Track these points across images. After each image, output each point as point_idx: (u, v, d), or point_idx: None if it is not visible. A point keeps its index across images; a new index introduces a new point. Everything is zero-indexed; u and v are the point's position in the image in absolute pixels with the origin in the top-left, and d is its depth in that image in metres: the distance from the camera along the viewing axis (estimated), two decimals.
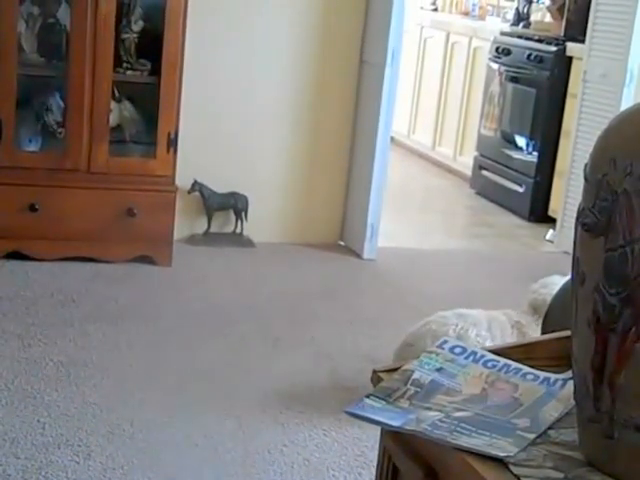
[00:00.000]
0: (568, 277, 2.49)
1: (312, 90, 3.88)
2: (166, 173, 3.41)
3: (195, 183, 3.74)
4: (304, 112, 3.89)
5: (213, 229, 3.84)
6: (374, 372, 1.13)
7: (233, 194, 3.81)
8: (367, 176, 3.88)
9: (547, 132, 4.84)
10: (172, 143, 3.38)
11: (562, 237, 4.30)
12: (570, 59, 4.75)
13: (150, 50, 3.40)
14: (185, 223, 3.77)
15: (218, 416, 2.42)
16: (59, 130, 3.38)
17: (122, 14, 3.37)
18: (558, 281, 2.56)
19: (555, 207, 4.67)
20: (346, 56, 3.89)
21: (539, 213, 4.86)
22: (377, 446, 1.13)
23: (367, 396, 1.06)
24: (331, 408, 2.50)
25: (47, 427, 2.27)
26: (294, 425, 2.42)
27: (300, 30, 3.81)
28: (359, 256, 3.91)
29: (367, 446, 2.34)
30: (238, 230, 3.86)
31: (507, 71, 5.19)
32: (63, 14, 3.36)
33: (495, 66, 5.30)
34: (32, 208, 3.30)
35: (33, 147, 3.41)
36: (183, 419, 2.39)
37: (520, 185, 4.98)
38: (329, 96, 3.91)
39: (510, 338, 2.50)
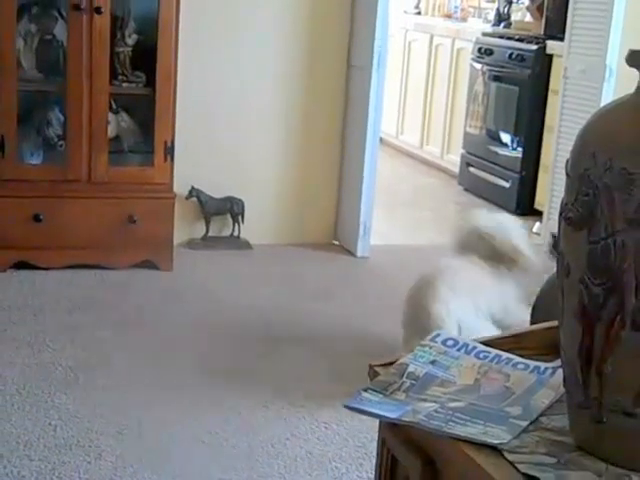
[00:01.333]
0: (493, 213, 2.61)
1: (302, 95, 3.96)
2: (164, 181, 3.48)
3: (192, 189, 3.81)
4: (295, 117, 3.97)
5: (211, 233, 3.91)
6: (370, 366, 1.14)
7: (229, 198, 3.87)
8: (358, 176, 3.97)
9: (531, 128, 4.94)
10: (169, 151, 3.45)
11: (548, 229, 4.42)
12: (550, 57, 4.84)
13: (144, 62, 3.46)
14: (184, 228, 3.83)
15: (222, 413, 2.47)
16: (60, 143, 3.45)
17: (116, 28, 3.43)
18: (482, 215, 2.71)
19: (541, 200, 4.77)
20: (334, 61, 3.97)
21: (525, 207, 4.96)
22: (376, 437, 1.15)
23: (364, 390, 1.08)
24: (331, 402, 2.54)
25: (58, 429, 2.32)
26: (296, 420, 2.47)
27: (288, 38, 3.88)
28: (353, 254, 3.98)
29: (367, 437, 2.38)
30: (235, 233, 3.92)
31: (490, 70, 5.30)
32: (60, 30, 3.41)
33: (478, 66, 5.40)
34: (37, 219, 3.36)
35: (35, 160, 3.46)
36: (189, 417, 2.44)
37: (506, 180, 5.09)
38: (319, 100, 3.98)
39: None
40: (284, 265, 3.81)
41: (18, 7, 3.27)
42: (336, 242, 4.13)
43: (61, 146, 3.45)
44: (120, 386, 2.61)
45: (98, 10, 3.29)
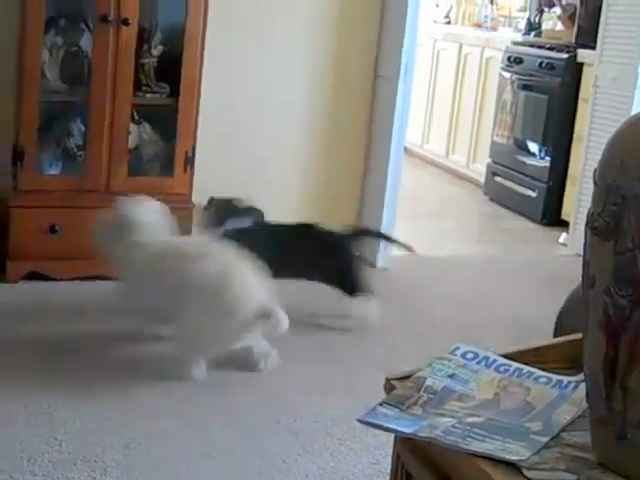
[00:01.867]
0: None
1: (328, 105, 3.95)
2: (183, 191, 3.47)
3: (212, 199, 3.81)
4: (320, 126, 3.96)
5: None
6: (387, 380, 1.13)
7: (250, 209, 3.88)
8: (381, 186, 3.95)
9: (559, 138, 4.89)
10: (189, 162, 3.45)
11: (575, 240, 4.35)
12: (581, 65, 4.80)
13: (169, 73, 3.46)
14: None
15: (232, 427, 2.43)
16: (79, 153, 3.44)
17: (142, 40, 3.42)
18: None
19: (568, 211, 4.72)
20: (361, 71, 3.95)
21: (552, 217, 4.91)
22: (391, 453, 1.13)
23: (380, 404, 1.06)
24: (345, 417, 2.49)
25: (64, 444, 2.28)
26: (308, 434, 2.42)
27: (315, 48, 3.88)
28: (373, 265, 3.93)
29: (381, 454, 2.33)
30: None
31: (519, 79, 5.25)
32: (85, 42, 3.41)
33: (507, 75, 5.36)
34: (52, 230, 3.31)
35: (54, 170, 3.45)
36: (197, 432, 2.40)
37: (533, 190, 5.04)
38: (344, 110, 3.97)
39: None
40: None
41: (45, 19, 3.28)
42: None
43: (80, 156, 3.45)
44: (127, 399, 2.58)
45: (126, 22, 3.30)
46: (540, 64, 5.04)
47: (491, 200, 5.44)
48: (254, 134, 3.88)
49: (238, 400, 2.62)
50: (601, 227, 0.91)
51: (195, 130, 3.47)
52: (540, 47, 5.20)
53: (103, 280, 3.42)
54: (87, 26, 3.43)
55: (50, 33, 3.39)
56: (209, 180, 3.70)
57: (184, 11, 3.36)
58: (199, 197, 3.64)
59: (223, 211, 3.25)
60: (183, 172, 3.47)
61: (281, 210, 3.95)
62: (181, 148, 3.45)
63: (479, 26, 6.53)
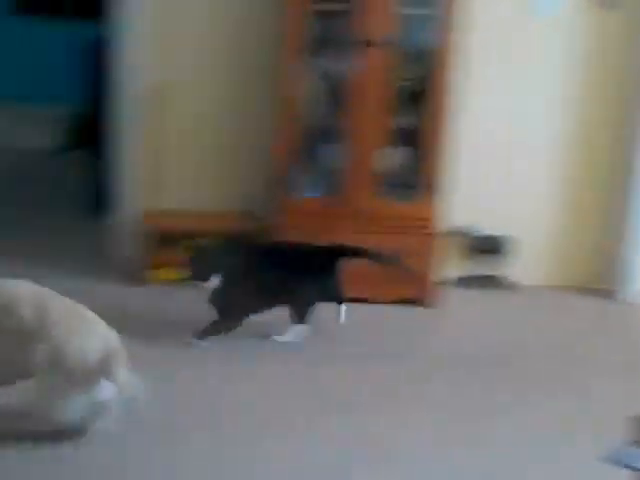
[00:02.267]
0: None
1: (579, 133, 3.85)
2: (427, 216, 3.47)
3: (459, 226, 3.77)
4: (570, 154, 3.87)
5: (476, 271, 3.86)
6: (631, 418, 1.10)
7: (497, 237, 3.81)
8: (632, 217, 3.81)
9: None
10: (438, 187, 3.46)
11: None
12: None
13: (421, 96, 3.49)
14: (449, 265, 3.77)
15: (436, 458, 2.43)
16: (336, 176, 3.51)
17: (398, 63, 3.46)
18: None
19: None
20: (609, 92, 3.83)
21: None
22: None
23: (627, 443, 1.04)
24: (588, 453, 2.34)
25: None
26: (543, 470, 2.38)
27: (570, 74, 3.82)
28: (625, 300, 3.80)
29: None
30: (501, 273, 3.85)
31: None
32: (343, 66, 3.48)
33: None
34: None
35: (313, 193, 3.53)
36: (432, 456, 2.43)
37: None
38: (595, 139, 3.86)
39: None
40: (549, 308, 3.70)
41: (306, 45, 3.41)
42: (606, 286, 3.90)
43: (337, 179, 3.52)
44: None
45: (384, 45, 3.38)
46: None
47: None
48: (504, 164, 3.84)
49: (479, 431, 2.60)
50: None
51: (446, 156, 3.46)
52: None
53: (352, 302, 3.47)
54: (345, 50, 3.48)
55: (309, 57, 3.47)
56: (458, 205, 3.66)
57: (440, 35, 3.40)
58: (447, 224, 3.61)
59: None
60: (431, 197, 3.48)
61: (529, 240, 3.88)
62: (430, 173, 3.47)
63: None
